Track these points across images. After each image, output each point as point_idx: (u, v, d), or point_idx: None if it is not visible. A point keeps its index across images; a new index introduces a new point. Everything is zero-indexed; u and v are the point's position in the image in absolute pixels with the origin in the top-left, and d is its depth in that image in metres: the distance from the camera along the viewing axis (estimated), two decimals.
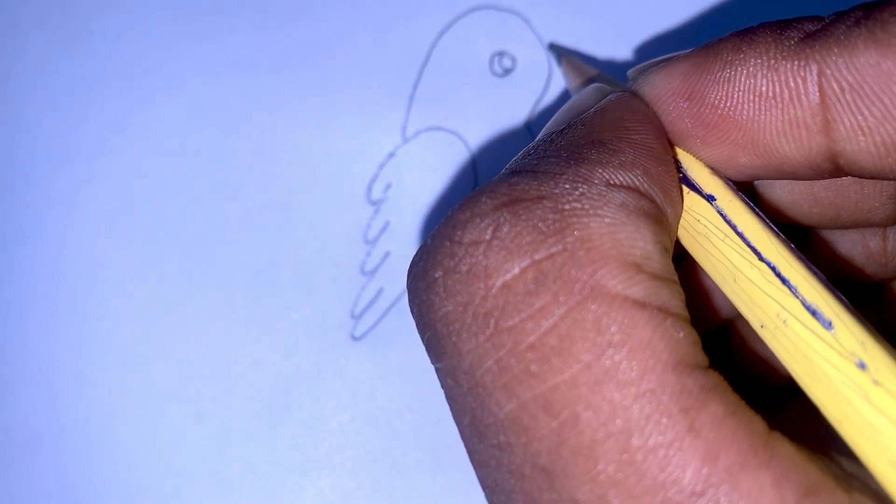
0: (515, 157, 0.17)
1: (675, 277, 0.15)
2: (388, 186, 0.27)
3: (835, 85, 0.15)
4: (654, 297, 0.14)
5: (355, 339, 0.26)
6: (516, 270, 0.14)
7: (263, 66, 0.28)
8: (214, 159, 0.27)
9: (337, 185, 0.27)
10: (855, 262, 0.21)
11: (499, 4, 0.28)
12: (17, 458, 0.26)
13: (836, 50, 0.15)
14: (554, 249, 0.14)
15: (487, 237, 0.14)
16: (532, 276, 0.14)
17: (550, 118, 0.27)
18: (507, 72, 0.28)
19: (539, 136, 0.18)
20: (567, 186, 0.15)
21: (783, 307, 0.14)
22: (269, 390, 0.26)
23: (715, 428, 0.13)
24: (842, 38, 0.15)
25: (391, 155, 0.27)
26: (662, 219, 0.15)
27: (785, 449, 0.13)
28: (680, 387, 0.13)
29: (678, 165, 0.17)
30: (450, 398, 0.15)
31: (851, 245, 0.21)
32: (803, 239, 0.21)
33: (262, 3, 0.28)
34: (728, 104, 0.16)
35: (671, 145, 0.17)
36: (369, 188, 0.27)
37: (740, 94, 0.16)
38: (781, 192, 0.19)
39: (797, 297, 0.14)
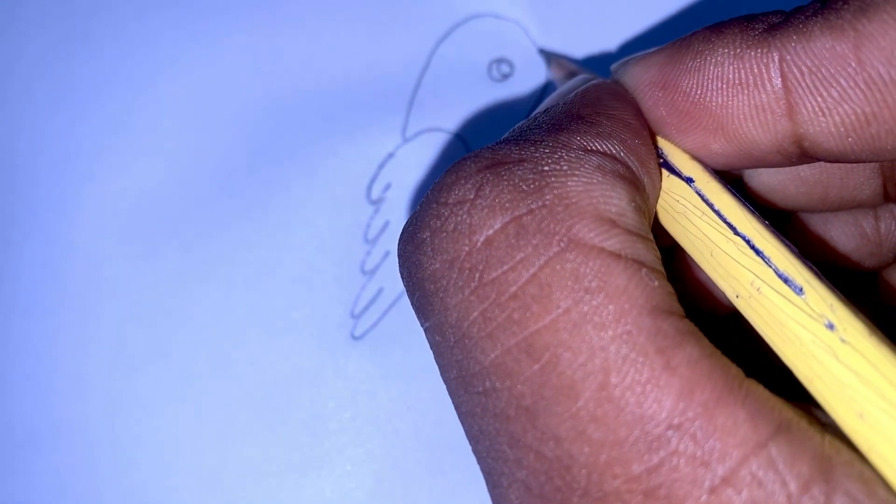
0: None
1: (650, 236, 0.16)
2: (388, 186, 0.27)
3: (795, 70, 0.16)
4: (629, 250, 0.15)
5: (355, 338, 0.26)
6: (498, 225, 0.15)
7: (266, 68, 0.28)
8: (215, 159, 0.27)
9: (337, 184, 0.27)
10: (849, 247, 0.21)
11: (497, 13, 0.28)
12: (18, 457, 0.26)
13: (795, 37, 0.16)
14: (533, 205, 0.15)
15: (471, 196, 0.15)
16: (513, 230, 0.15)
17: None
18: (506, 77, 0.28)
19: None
20: (546, 151, 0.16)
21: (757, 276, 0.15)
22: (269, 390, 0.26)
23: (690, 367, 0.14)
24: (800, 26, 0.16)
25: (391, 155, 0.27)
26: (638, 183, 0.16)
27: (760, 391, 0.14)
28: (655, 329, 0.14)
29: (659, 151, 0.18)
30: (437, 355, 0.16)
31: (844, 228, 0.21)
32: (797, 227, 0.22)
33: (264, 5, 0.28)
34: (699, 92, 0.17)
35: (652, 134, 0.18)
36: (369, 188, 0.27)
37: (709, 81, 0.16)
38: (767, 177, 0.20)
39: (770, 266, 0.15)
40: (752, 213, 0.16)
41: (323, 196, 0.27)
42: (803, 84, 0.16)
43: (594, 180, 0.15)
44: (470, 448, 0.25)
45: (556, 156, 0.16)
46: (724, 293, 0.16)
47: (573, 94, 0.18)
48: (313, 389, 0.26)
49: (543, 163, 0.15)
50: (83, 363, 0.26)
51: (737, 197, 0.17)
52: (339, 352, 0.26)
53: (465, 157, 0.16)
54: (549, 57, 0.27)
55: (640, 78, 0.18)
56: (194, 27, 0.28)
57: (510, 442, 0.15)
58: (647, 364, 0.14)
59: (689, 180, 0.17)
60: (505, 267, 0.15)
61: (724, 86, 0.16)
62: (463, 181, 0.16)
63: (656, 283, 0.15)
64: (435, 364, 0.26)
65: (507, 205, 0.15)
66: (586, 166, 0.16)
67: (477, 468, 0.25)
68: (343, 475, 0.25)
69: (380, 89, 0.28)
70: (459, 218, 0.15)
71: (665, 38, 0.28)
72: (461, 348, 0.15)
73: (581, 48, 0.28)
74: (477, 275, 0.15)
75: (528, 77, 0.28)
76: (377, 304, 0.26)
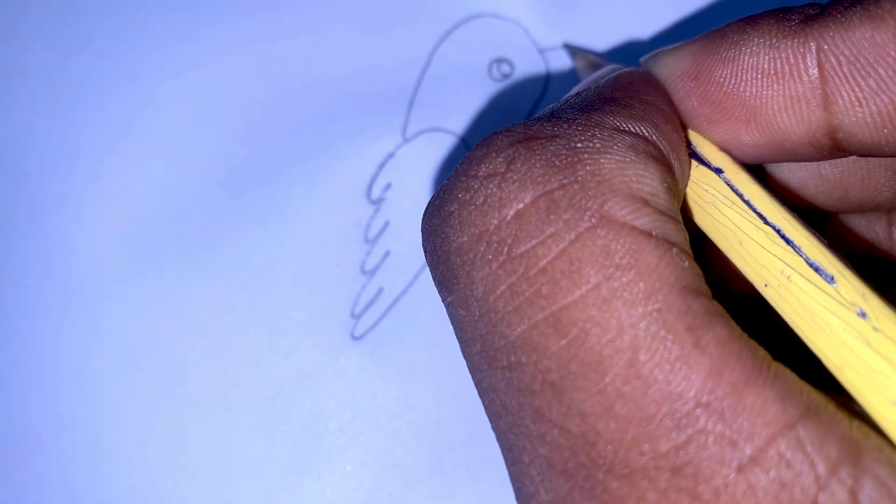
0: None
1: (680, 219, 0.16)
2: (388, 186, 0.27)
3: (832, 59, 0.16)
4: (660, 229, 0.15)
5: (355, 338, 0.26)
6: (528, 199, 0.15)
7: (266, 68, 0.28)
8: (216, 160, 0.27)
9: (337, 184, 0.27)
10: (859, 248, 0.21)
11: (498, 13, 0.28)
12: (18, 457, 0.26)
13: (832, 27, 0.16)
14: (565, 181, 0.15)
15: (502, 170, 0.15)
16: (544, 204, 0.15)
17: None
18: (506, 77, 0.28)
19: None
20: (579, 128, 0.16)
21: (787, 265, 0.15)
22: (270, 390, 0.26)
23: (720, 347, 0.14)
24: (839, 16, 0.16)
25: (391, 155, 0.27)
26: (669, 166, 0.16)
27: (787, 374, 0.14)
28: (686, 308, 0.14)
29: (688, 142, 0.18)
30: (460, 329, 0.16)
31: (857, 231, 0.21)
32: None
33: (264, 6, 0.28)
34: (733, 82, 0.17)
35: (682, 123, 0.18)
36: (369, 188, 0.27)
37: (744, 71, 0.16)
38: (788, 174, 0.20)
39: (800, 255, 0.15)
40: (782, 203, 0.17)
41: (323, 196, 0.27)
42: (840, 74, 0.16)
43: (627, 158, 0.15)
44: (470, 448, 0.25)
45: (590, 133, 0.15)
46: (751, 281, 0.16)
47: (605, 79, 0.18)
48: (313, 389, 0.26)
49: (576, 139, 0.15)
50: (84, 363, 0.26)
51: (765, 188, 0.17)
52: (340, 352, 0.26)
53: (497, 131, 0.16)
54: (574, 51, 0.27)
55: (672, 68, 0.18)
56: (196, 29, 0.28)
57: (534, 417, 0.15)
58: (676, 342, 0.14)
59: (718, 171, 0.17)
60: (534, 241, 0.15)
61: (760, 76, 0.16)
62: (494, 154, 0.15)
63: (686, 263, 0.15)
64: (435, 364, 0.26)
65: (538, 179, 0.15)
66: (619, 145, 0.15)
67: (477, 468, 0.25)
68: (343, 475, 0.25)
69: (380, 89, 0.28)
70: (489, 191, 0.15)
71: (667, 37, 0.28)
72: (486, 322, 0.15)
73: (582, 42, 0.28)
74: (505, 248, 0.15)
75: (529, 77, 0.28)
76: (377, 305, 0.26)
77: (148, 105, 0.28)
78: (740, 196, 0.17)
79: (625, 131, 0.16)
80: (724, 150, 0.18)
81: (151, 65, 0.28)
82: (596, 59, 0.26)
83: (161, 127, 0.28)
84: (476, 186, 0.15)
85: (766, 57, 0.16)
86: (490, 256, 0.15)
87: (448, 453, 0.26)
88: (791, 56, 0.16)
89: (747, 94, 0.17)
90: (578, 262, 0.14)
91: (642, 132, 0.16)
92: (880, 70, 0.15)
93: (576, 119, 0.16)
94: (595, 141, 0.15)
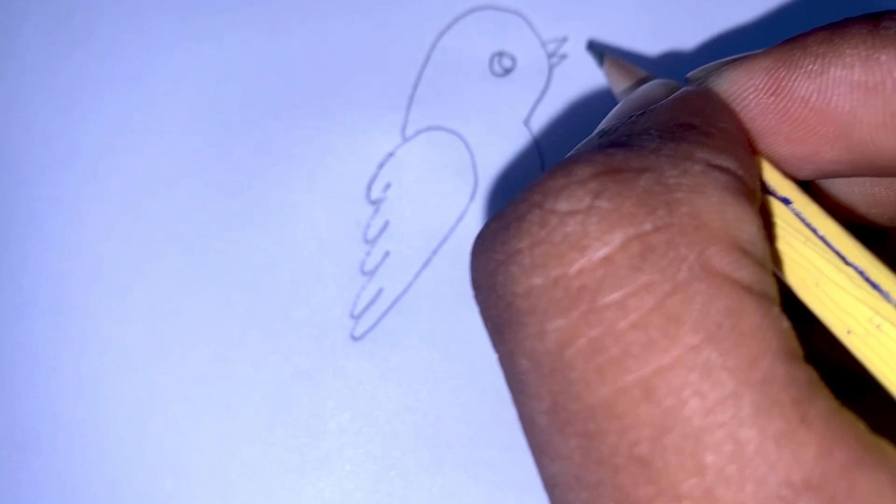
0: (588, 139, 0.16)
1: (772, 268, 0.14)
2: (388, 186, 0.27)
3: None
4: (759, 284, 0.13)
5: (355, 338, 0.26)
6: (619, 242, 0.13)
7: (264, 66, 0.28)
8: (215, 159, 0.27)
9: (336, 184, 0.27)
10: None
11: (499, 4, 0.28)
12: (18, 458, 0.26)
13: None
14: (661, 223, 0.13)
15: (585, 205, 0.13)
16: (637, 249, 0.13)
17: (553, 115, 0.27)
18: (507, 71, 0.28)
19: (606, 122, 0.17)
20: (668, 161, 0.14)
21: (876, 311, 0.14)
22: (269, 390, 0.26)
23: (826, 422, 0.12)
24: None
25: (391, 154, 0.27)
26: (758, 206, 0.15)
27: (891, 450, 0.13)
28: (790, 377, 0.13)
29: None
30: (520, 382, 0.14)
31: None
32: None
33: (262, 4, 0.28)
34: (821, 98, 0.15)
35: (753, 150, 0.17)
36: (369, 188, 0.27)
37: (835, 86, 0.15)
38: (838, 191, 0.19)
39: (890, 302, 0.14)
40: (858, 241, 0.15)
41: (322, 196, 0.27)
42: None
43: (726, 200, 0.14)
44: (469, 448, 0.25)
45: (681, 168, 0.14)
46: (828, 327, 0.15)
47: (670, 100, 0.16)
48: (313, 389, 0.26)
49: (668, 175, 0.14)
50: (83, 363, 0.26)
51: (838, 222, 0.15)
52: (339, 352, 0.26)
53: (573, 159, 0.14)
54: (601, 53, 0.25)
55: (745, 84, 0.16)
56: (194, 27, 0.28)
57: (617, 495, 0.13)
58: (782, 416, 0.12)
59: (785, 201, 0.16)
60: (625, 290, 0.13)
61: (855, 90, 0.15)
62: (575, 186, 0.13)
63: (785, 324, 0.13)
64: (434, 364, 0.26)
65: (630, 219, 0.13)
66: (715, 184, 0.14)
67: (476, 468, 0.26)
68: (343, 475, 0.26)
69: (379, 86, 0.27)
70: (571, 229, 0.13)
71: (672, 29, 0.27)
72: (559, 380, 0.13)
73: (584, 40, 0.28)
74: (588, 296, 0.13)
75: (530, 72, 0.28)
76: (377, 305, 0.26)
77: (146, 104, 0.28)
78: (814, 231, 0.15)
79: (716, 167, 0.14)
80: (789, 174, 0.16)
81: (149, 64, 0.28)
82: (628, 65, 0.24)
83: (160, 126, 0.27)
84: (554, 223, 0.13)
85: (862, 69, 0.15)
86: (568, 304, 0.13)
87: (447, 453, 0.26)
88: (892, 68, 0.15)
89: (839, 110, 0.15)
90: (676, 319, 0.13)
91: (733, 168, 0.14)
92: None
93: (661, 150, 0.14)
94: (688, 177, 0.14)
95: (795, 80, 0.15)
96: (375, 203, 0.27)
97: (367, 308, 0.26)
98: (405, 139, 0.27)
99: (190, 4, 0.28)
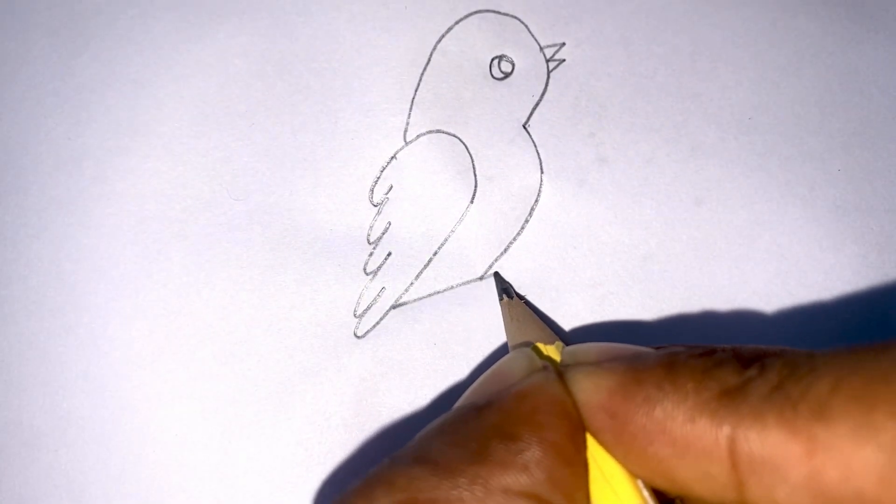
0: (429, 428, 0.17)
1: None
2: (390, 189, 0.27)
3: (744, 454, 0.15)
4: None
5: (358, 337, 0.27)
6: None
7: (268, 70, 0.28)
8: (220, 162, 0.27)
9: (340, 187, 0.27)
10: None
11: (498, 8, 0.28)
12: (23, 456, 0.26)
13: (748, 420, 0.15)
14: None
15: None
16: None
17: (552, 118, 0.27)
18: (507, 75, 0.28)
19: (459, 403, 0.18)
20: (464, 489, 0.15)
21: None
22: (273, 388, 0.26)
23: None
24: (755, 404, 0.15)
25: (392, 158, 0.27)
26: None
27: None
28: None
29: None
30: None
31: None
32: None
33: (266, 7, 0.28)
34: (646, 439, 0.16)
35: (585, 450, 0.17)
36: (371, 191, 0.27)
37: (657, 433, 0.16)
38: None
39: None
40: None
41: (326, 198, 0.27)
42: (752, 468, 0.15)
43: None
44: None
45: (476, 497, 0.15)
46: None
47: (512, 394, 0.17)
48: (317, 387, 0.26)
49: None
50: (91, 363, 0.27)
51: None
52: (342, 351, 0.27)
53: (380, 477, 0.16)
54: (503, 289, 0.26)
55: (589, 398, 0.17)
56: (198, 29, 0.28)
57: None
58: None
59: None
60: None
61: (672, 443, 0.16)
62: None
63: None
64: (435, 363, 0.26)
65: None
66: None
67: None
68: (345, 473, 0.26)
69: (381, 89, 0.28)
70: None
71: (664, 34, 0.27)
72: None
73: (581, 44, 0.28)
74: None
75: (529, 75, 0.28)
76: (379, 305, 0.27)
77: (153, 107, 0.28)
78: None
79: (513, 492, 0.15)
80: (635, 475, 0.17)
81: (156, 67, 0.28)
82: (522, 314, 0.25)
83: (166, 129, 0.28)
84: None
85: (681, 428, 0.15)
86: None
87: None
88: (704, 436, 0.15)
89: (661, 453, 0.16)
90: None
91: (534, 490, 0.15)
92: (791, 480, 0.14)
93: (463, 473, 0.15)
94: None
95: (628, 412, 0.16)
96: (378, 205, 0.27)
97: (369, 308, 0.27)
98: (406, 142, 0.27)
99: (196, 9, 0.28)
